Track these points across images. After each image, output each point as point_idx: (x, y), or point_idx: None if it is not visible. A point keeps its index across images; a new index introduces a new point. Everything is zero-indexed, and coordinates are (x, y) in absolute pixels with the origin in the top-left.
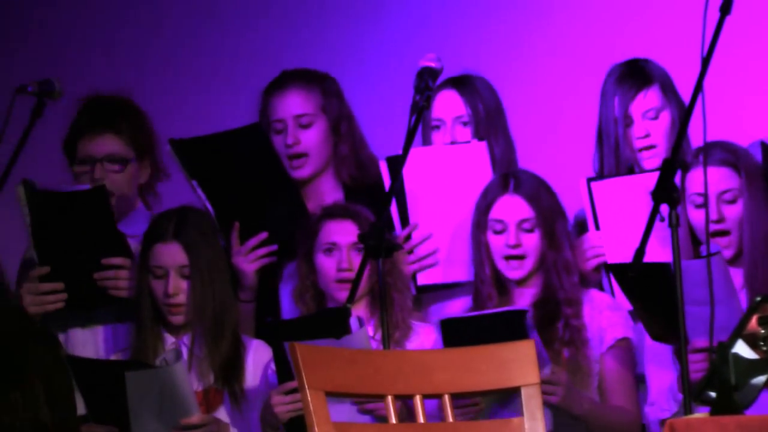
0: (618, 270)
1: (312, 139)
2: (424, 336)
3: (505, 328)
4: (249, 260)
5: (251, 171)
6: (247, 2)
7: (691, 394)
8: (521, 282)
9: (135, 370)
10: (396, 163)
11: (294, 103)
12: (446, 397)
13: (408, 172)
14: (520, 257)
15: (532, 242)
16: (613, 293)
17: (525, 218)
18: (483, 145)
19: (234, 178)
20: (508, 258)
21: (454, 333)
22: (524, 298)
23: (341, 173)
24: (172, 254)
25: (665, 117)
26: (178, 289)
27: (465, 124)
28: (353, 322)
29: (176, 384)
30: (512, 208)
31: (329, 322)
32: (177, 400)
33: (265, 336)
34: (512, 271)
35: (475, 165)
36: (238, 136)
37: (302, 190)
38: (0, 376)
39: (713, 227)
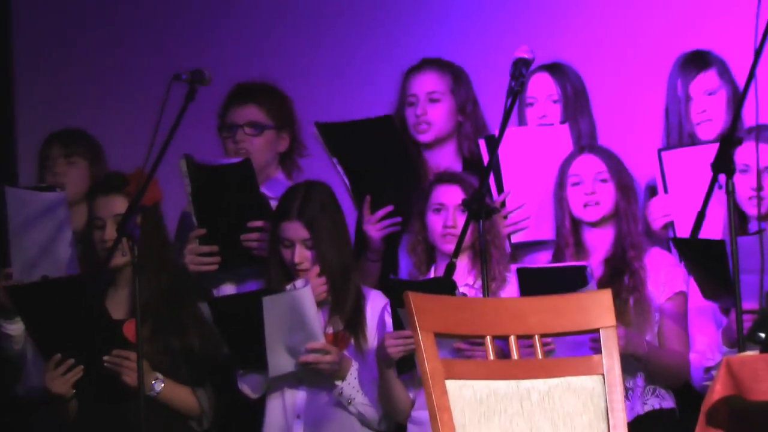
0: (679, 243)
1: (438, 112)
2: (515, 286)
3: (569, 278)
4: (377, 228)
5: (382, 153)
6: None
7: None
8: (596, 224)
9: (271, 296)
10: (492, 141)
11: (427, 82)
12: (536, 338)
13: (503, 148)
14: (596, 203)
15: (606, 191)
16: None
17: (600, 171)
18: (565, 127)
19: (368, 158)
20: (586, 205)
21: (528, 281)
22: (597, 244)
23: (463, 147)
24: (296, 230)
25: (721, 96)
26: (303, 258)
27: (555, 101)
28: (458, 294)
29: (304, 307)
30: (588, 164)
31: (439, 289)
32: (305, 324)
33: (385, 289)
34: (588, 215)
35: (558, 143)
36: (373, 123)
37: (425, 155)
38: (162, 324)
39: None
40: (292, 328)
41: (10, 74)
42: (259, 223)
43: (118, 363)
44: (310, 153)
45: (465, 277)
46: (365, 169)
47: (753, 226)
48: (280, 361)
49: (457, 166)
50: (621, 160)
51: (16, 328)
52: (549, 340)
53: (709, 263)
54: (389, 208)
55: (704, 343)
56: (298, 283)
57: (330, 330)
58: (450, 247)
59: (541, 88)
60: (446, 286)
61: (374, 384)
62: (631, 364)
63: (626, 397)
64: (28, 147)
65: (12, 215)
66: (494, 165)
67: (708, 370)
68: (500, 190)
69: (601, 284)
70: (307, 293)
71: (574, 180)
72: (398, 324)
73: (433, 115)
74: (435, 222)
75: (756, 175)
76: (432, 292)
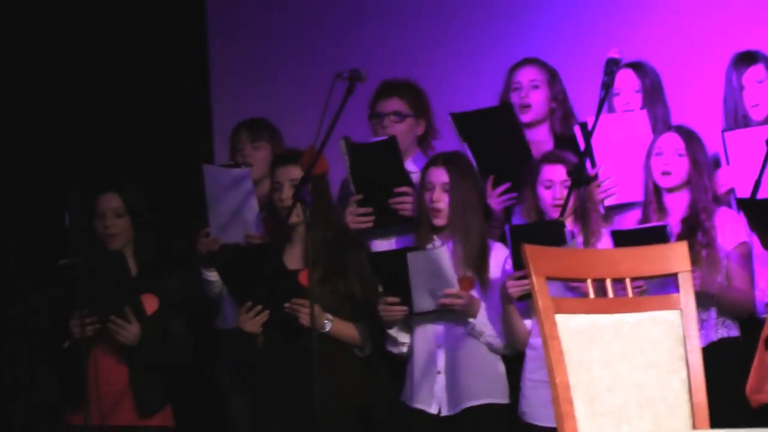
0: (742, 203)
1: (536, 96)
2: (608, 240)
3: (653, 236)
4: (497, 202)
5: (503, 139)
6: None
7: None
8: (671, 190)
9: (414, 252)
10: (585, 127)
11: (529, 72)
12: (627, 280)
13: (597, 131)
14: (670, 173)
15: (680, 164)
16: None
17: (678, 147)
18: (644, 113)
19: (490, 140)
20: (664, 173)
21: (621, 240)
22: (675, 206)
23: (555, 127)
24: (438, 174)
25: (767, 85)
26: (440, 198)
27: (636, 92)
28: (568, 234)
29: (441, 263)
30: (670, 140)
31: (549, 231)
32: (442, 275)
33: (512, 232)
34: (664, 182)
35: (638, 126)
36: (495, 111)
37: (526, 131)
38: (329, 272)
39: None
40: (432, 277)
41: (206, 67)
42: (404, 189)
43: (295, 309)
44: (442, 136)
45: (568, 239)
46: (489, 150)
47: None
48: (422, 301)
49: (549, 142)
50: (701, 140)
51: (214, 275)
52: (641, 283)
53: (766, 219)
54: (507, 185)
55: (765, 282)
56: (437, 242)
57: (459, 274)
58: (557, 213)
59: (626, 81)
60: (558, 224)
61: (499, 319)
62: (705, 300)
63: (700, 327)
64: (223, 132)
65: (208, 187)
66: (588, 144)
67: None
68: (593, 164)
69: (680, 238)
70: (443, 252)
71: (656, 151)
72: (519, 265)
73: (534, 98)
74: (545, 195)
75: None
76: (547, 231)
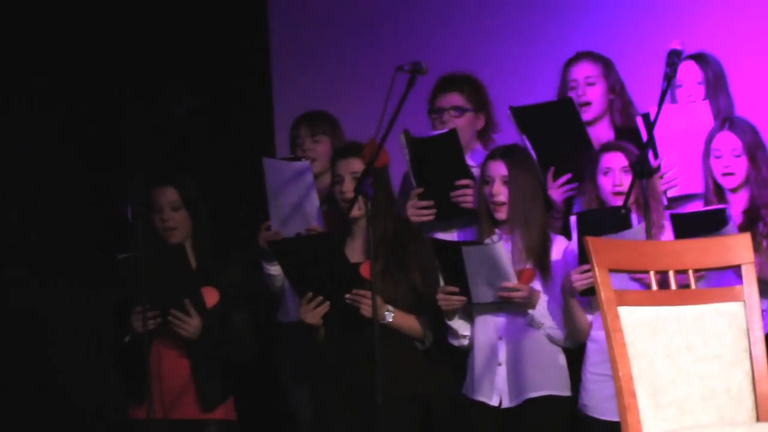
0: None
1: (594, 93)
2: (671, 231)
3: (712, 219)
4: (558, 193)
5: (562, 131)
6: None
7: None
8: (733, 190)
9: (468, 246)
10: (647, 118)
11: (584, 69)
12: (690, 272)
13: (660, 122)
14: (731, 174)
15: (740, 164)
16: None
17: (735, 147)
18: (706, 104)
19: (550, 133)
20: (724, 174)
21: (680, 223)
22: (736, 201)
23: (614, 120)
24: (497, 167)
25: None
26: (499, 191)
27: (699, 84)
28: (633, 219)
29: (498, 257)
30: (726, 141)
31: (615, 217)
32: (499, 269)
33: (579, 219)
34: (726, 183)
35: (701, 117)
36: (556, 105)
37: (589, 130)
38: (390, 263)
39: None
40: (489, 270)
41: (267, 60)
42: (465, 181)
43: (357, 300)
44: (502, 129)
45: (634, 224)
46: (548, 143)
47: None
48: (481, 292)
49: (610, 136)
50: (757, 132)
51: (276, 268)
52: (701, 273)
53: None
54: (568, 176)
55: None
56: (495, 237)
57: (518, 267)
58: (619, 201)
59: (689, 73)
60: (623, 210)
61: (559, 310)
62: (763, 288)
63: (761, 317)
64: (284, 125)
65: (269, 181)
66: (650, 135)
67: None
68: (656, 155)
69: (741, 230)
70: (500, 247)
71: (715, 153)
72: (582, 254)
73: (591, 95)
74: (605, 183)
75: None
76: (613, 216)
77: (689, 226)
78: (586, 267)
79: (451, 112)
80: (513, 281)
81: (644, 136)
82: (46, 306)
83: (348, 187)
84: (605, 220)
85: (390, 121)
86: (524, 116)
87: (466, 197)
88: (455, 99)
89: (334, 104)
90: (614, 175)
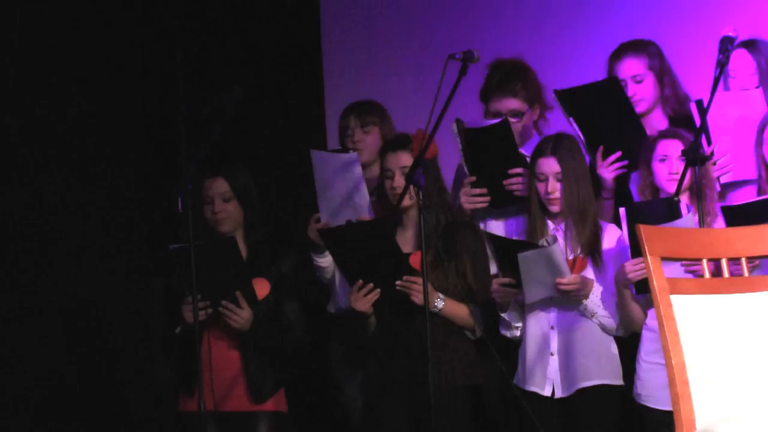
0: None
1: (644, 90)
2: (722, 219)
3: (763, 208)
4: (608, 171)
5: (609, 110)
6: None
7: None
8: None
9: (524, 251)
10: (701, 105)
11: (629, 67)
12: (743, 260)
13: (713, 109)
14: None
15: None
16: None
17: None
18: (759, 91)
19: (597, 114)
20: None
21: (731, 215)
22: None
23: (666, 109)
24: (550, 165)
25: None
26: (555, 188)
27: (752, 75)
28: (683, 208)
29: (555, 259)
30: None
31: (665, 207)
32: (554, 268)
33: (617, 222)
34: None
35: (754, 104)
36: (601, 85)
37: (642, 121)
38: (439, 253)
39: None
40: (544, 271)
41: (319, 50)
42: (518, 170)
43: (407, 286)
44: (553, 105)
45: (684, 213)
46: (596, 123)
47: None
48: (534, 291)
49: (664, 125)
50: None
51: (326, 260)
52: (757, 261)
53: None
54: (618, 154)
55: None
56: (550, 239)
57: (571, 255)
58: (673, 188)
59: (741, 64)
60: (673, 202)
61: (612, 299)
62: None
63: None
64: (335, 116)
65: (317, 173)
66: (703, 122)
67: None
68: (709, 142)
69: None
70: (556, 249)
71: None
72: (635, 247)
73: (642, 93)
74: (660, 170)
75: None
76: (662, 208)
77: (741, 217)
78: (639, 259)
79: (510, 117)
80: (568, 277)
81: (697, 123)
82: (100, 298)
83: (399, 182)
84: (655, 211)
85: (441, 111)
86: (570, 99)
87: (519, 185)
88: (512, 104)
89: (384, 94)
90: (671, 162)
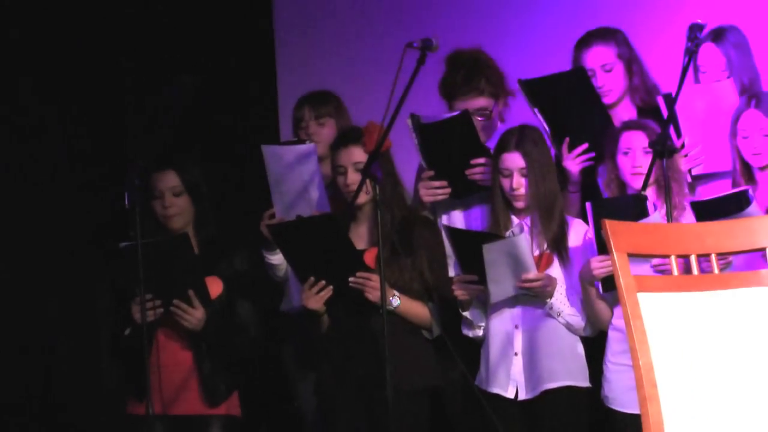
0: None
1: (612, 79)
2: (692, 213)
3: (734, 201)
4: (574, 163)
5: (576, 100)
6: None
7: None
8: (762, 169)
9: (489, 242)
10: (669, 98)
11: (597, 55)
12: (713, 256)
13: (682, 100)
14: (759, 154)
15: None
16: None
17: (762, 126)
18: (730, 81)
19: (563, 104)
20: (754, 154)
21: (701, 210)
22: (765, 183)
23: (635, 99)
24: (514, 160)
25: None
26: (520, 184)
27: (723, 70)
28: (650, 207)
29: (520, 250)
30: (753, 120)
31: (631, 205)
32: (520, 262)
33: (594, 208)
34: (756, 162)
35: (726, 95)
36: (567, 75)
37: (610, 112)
38: (395, 248)
39: None
40: (509, 264)
41: (272, 39)
42: (481, 160)
43: (361, 283)
44: (515, 94)
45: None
46: (562, 114)
47: None
48: (500, 289)
49: (632, 116)
50: None
51: (277, 257)
52: (729, 257)
53: None
54: (585, 146)
55: None
56: (516, 230)
57: (537, 251)
58: (638, 183)
59: (710, 58)
60: (639, 198)
61: (578, 297)
62: None
63: None
64: (289, 105)
65: (270, 167)
66: (672, 114)
67: None
68: (678, 134)
69: None
70: (522, 240)
71: (743, 134)
72: (601, 243)
73: (611, 83)
74: (624, 163)
75: None
76: (629, 205)
77: (712, 212)
78: (606, 256)
79: (477, 116)
80: (534, 273)
81: (665, 115)
82: (46, 299)
83: (352, 178)
84: (620, 208)
85: (399, 102)
86: (535, 89)
87: (483, 174)
88: (478, 102)
89: (340, 84)
90: (634, 155)
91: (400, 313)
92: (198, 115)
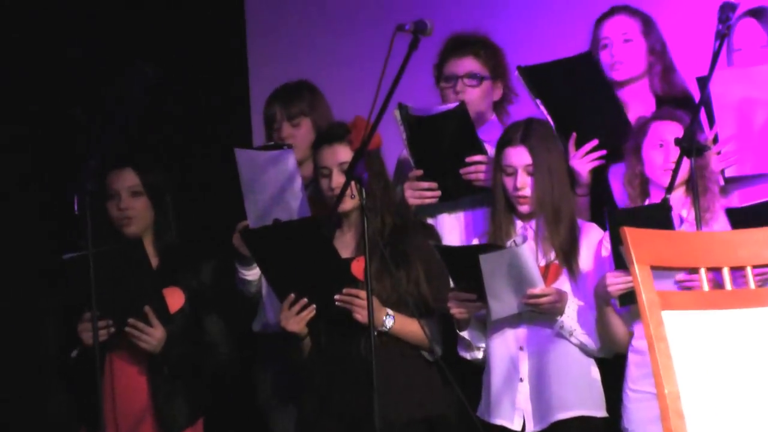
0: None
1: (629, 52)
2: (725, 219)
3: None
4: (583, 162)
5: (584, 90)
6: None
7: None
8: None
9: (487, 253)
10: (703, 81)
11: (620, 24)
12: (748, 269)
13: (715, 88)
14: None
15: None
16: None
17: None
18: None
19: (569, 96)
20: None
21: (738, 218)
22: None
23: (654, 85)
24: (519, 156)
25: None
26: (525, 183)
27: (763, 46)
28: (675, 219)
29: (524, 262)
30: None
31: (653, 215)
32: (524, 275)
33: (600, 221)
34: None
35: (766, 83)
36: (574, 62)
37: (618, 92)
38: (386, 261)
39: None
40: (511, 277)
41: (243, 25)
42: (478, 157)
43: (349, 301)
44: (518, 95)
45: (679, 210)
46: (568, 107)
47: None
48: (502, 305)
49: (650, 103)
50: None
51: (253, 273)
52: (765, 270)
53: None
54: (594, 143)
55: None
56: (518, 239)
57: (543, 261)
58: (667, 180)
59: (748, 34)
60: (663, 207)
61: (592, 314)
62: None
63: None
64: (262, 98)
65: (243, 173)
66: (707, 103)
67: None
68: (711, 126)
69: None
70: (525, 250)
71: None
72: (618, 257)
73: (627, 53)
74: (655, 158)
75: None
76: (649, 216)
77: (749, 221)
78: (623, 271)
79: (466, 80)
80: (540, 286)
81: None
82: None
83: (338, 181)
84: (641, 220)
85: (388, 93)
86: (536, 77)
87: (479, 174)
88: (470, 64)
89: (319, 73)
90: (668, 150)
91: (395, 333)
92: (159, 110)
